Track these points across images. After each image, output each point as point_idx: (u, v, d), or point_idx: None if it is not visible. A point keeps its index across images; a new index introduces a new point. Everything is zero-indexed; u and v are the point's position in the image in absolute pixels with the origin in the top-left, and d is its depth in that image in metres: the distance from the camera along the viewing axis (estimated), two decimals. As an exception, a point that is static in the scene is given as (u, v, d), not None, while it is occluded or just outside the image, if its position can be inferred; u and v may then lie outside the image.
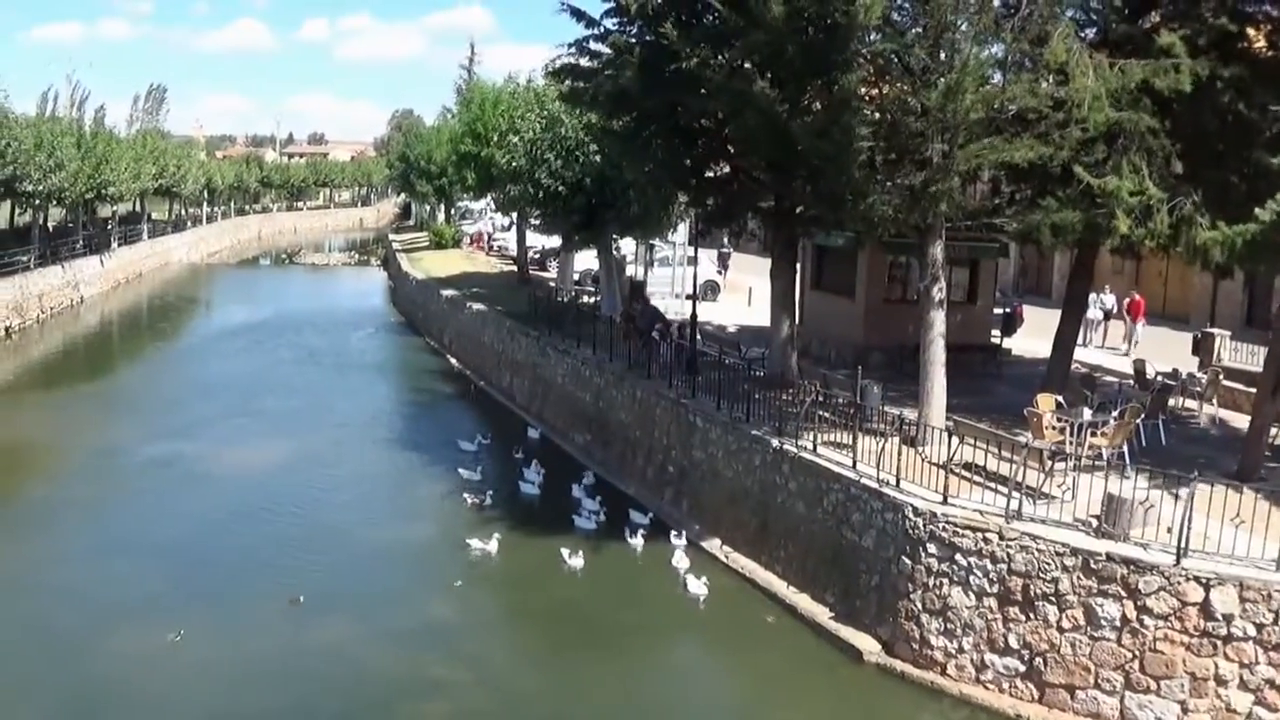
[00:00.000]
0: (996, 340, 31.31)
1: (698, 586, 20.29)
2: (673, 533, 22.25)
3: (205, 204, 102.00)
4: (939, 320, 20.80)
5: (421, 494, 26.58)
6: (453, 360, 44.10)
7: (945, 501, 17.53)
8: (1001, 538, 16.65)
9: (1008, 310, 33.50)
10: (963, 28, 19.23)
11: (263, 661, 17.70)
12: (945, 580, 17.10)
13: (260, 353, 45.72)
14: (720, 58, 21.13)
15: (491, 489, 25.65)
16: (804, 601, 19.63)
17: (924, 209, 19.99)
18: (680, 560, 21.30)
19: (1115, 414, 20.77)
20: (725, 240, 49.18)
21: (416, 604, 20.12)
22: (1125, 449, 19.59)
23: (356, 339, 49.91)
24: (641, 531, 22.65)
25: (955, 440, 18.64)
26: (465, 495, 25.53)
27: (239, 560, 21.87)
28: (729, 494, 22.81)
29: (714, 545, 22.54)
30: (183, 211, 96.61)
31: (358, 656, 17.93)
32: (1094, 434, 19.71)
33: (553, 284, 45.66)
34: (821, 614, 19.11)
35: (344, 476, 27.84)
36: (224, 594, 20.14)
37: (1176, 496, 16.77)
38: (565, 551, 21.73)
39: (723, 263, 48.78)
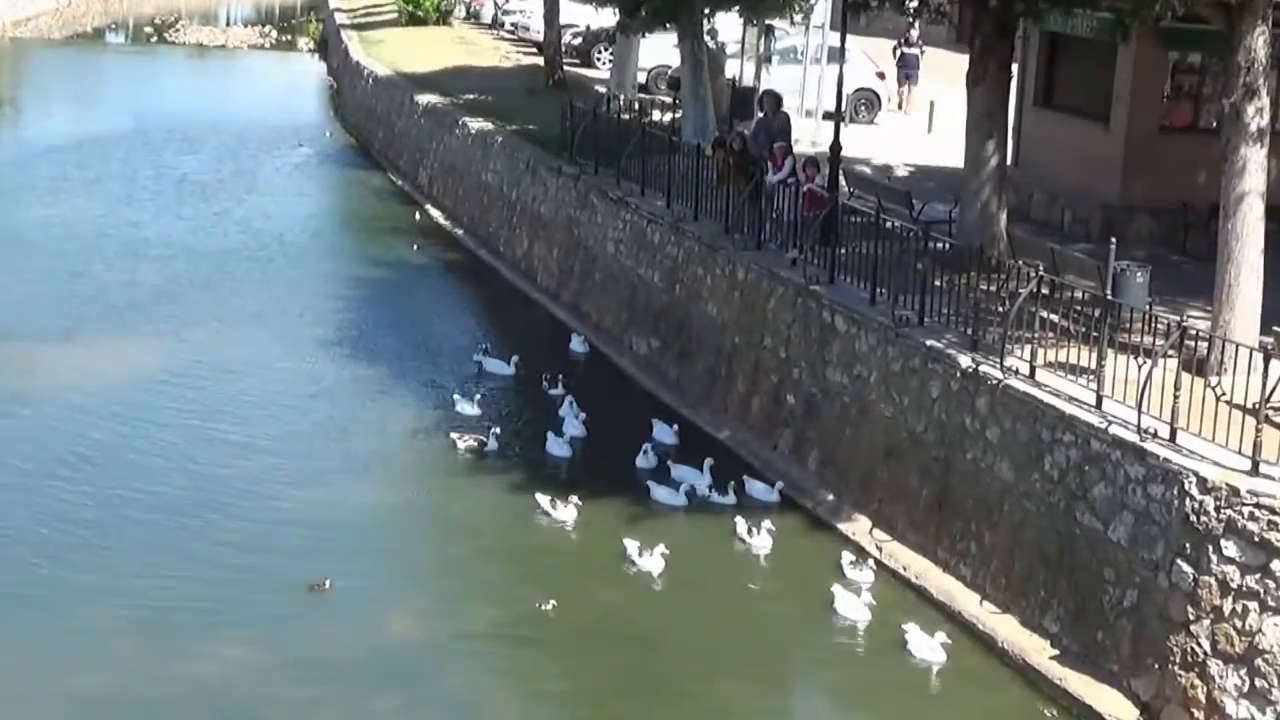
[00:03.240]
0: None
1: (927, 647, 19.50)
2: (846, 558, 21.61)
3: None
4: (1255, 164, 20.50)
5: (379, 432, 26.77)
6: (433, 211, 44.24)
7: (1256, 471, 17.26)
8: (1353, 537, 16.49)
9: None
10: None
11: (84, 706, 17.71)
12: (1253, 605, 16.91)
13: (99, 188, 45.93)
14: None
15: (496, 428, 25.90)
16: (1007, 628, 19.63)
17: (1236, -30, 19.62)
18: (853, 607, 20.44)
19: None
20: (911, 31, 47.67)
21: (365, 612, 20.20)
22: None
23: (270, 171, 50.17)
24: (767, 525, 22.48)
25: (1277, 368, 18.17)
26: (453, 436, 25.80)
27: (62, 538, 21.93)
28: (886, 444, 22.78)
29: (859, 528, 22.58)
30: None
31: (256, 698, 18.02)
32: None
33: (603, 90, 45.31)
34: (1037, 650, 19.08)
35: (243, 399, 28.10)
36: (31, 592, 20.23)
37: None
38: (632, 545, 21.75)
39: (907, 69, 47.39)
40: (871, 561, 21.68)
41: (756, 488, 23.86)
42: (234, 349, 30.84)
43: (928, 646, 19.45)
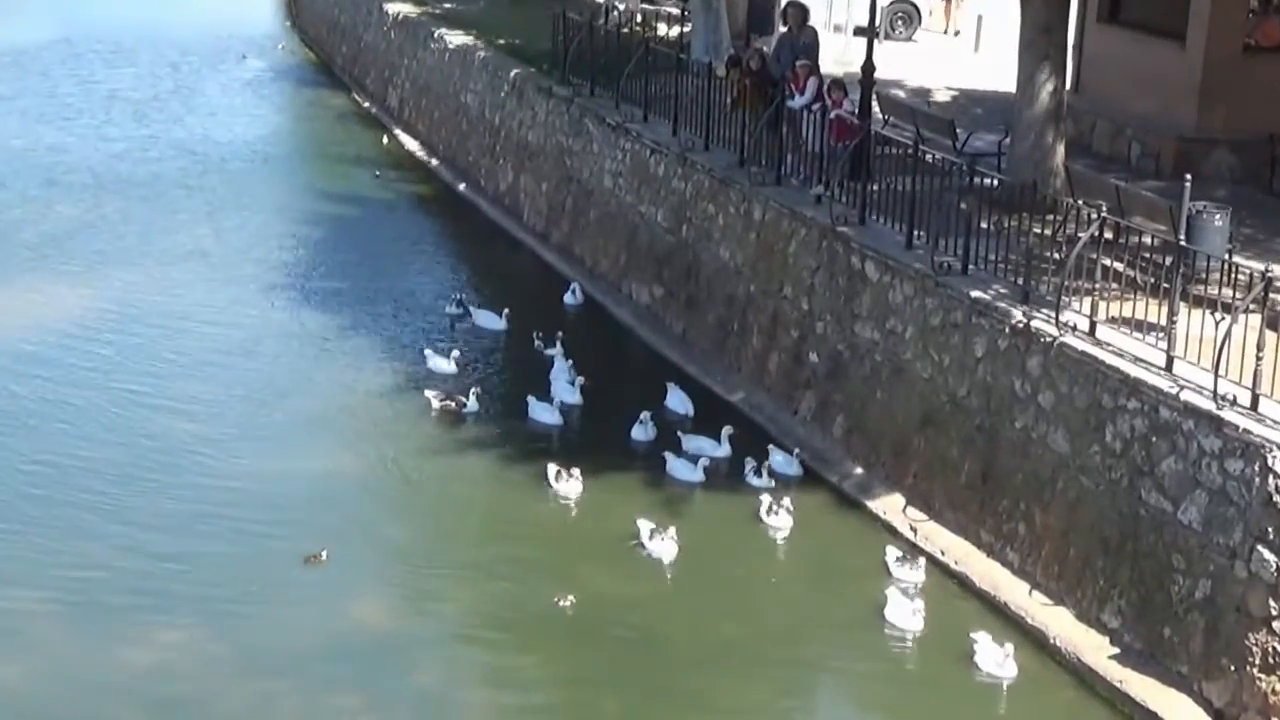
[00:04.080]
0: None
1: (994, 659, 19.30)
2: (891, 554, 21.47)
3: None
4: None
5: (338, 391, 26.85)
6: (403, 136, 44.30)
7: (1349, 445, 17.27)
8: None
9: None
10: None
11: (3, 698, 17.88)
12: (1343, 599, 16.92)
13: (13, 105, 46.19)
14: None
15: (477, 387, 26.00)
16: (1060, 622, 19.67)
17: None
18: (904, 615, 20.26)
19: None
20: None
21: (326, 598, 20.29)
22: None
23: (215, 88, 50.35)
24: (785, 503, 22.51)
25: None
26: (428, 395, 25.92)
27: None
28: (922, 410, 22.84)
29: (891, 506, 22.66)
30: None
31: (201, 694, 18.10)
32: None
33: (599, 0, 45.22)
34: (1095, 648, 19.10)
35: (179, 353, 28.18)
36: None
37: None
38: (645, 526, 21.81)
39: None
40: (923, 560, 21.37)
41: (775, 459, 23.91)
42: (168, 293, 30.94)
43: (995, 660, 19.25)
